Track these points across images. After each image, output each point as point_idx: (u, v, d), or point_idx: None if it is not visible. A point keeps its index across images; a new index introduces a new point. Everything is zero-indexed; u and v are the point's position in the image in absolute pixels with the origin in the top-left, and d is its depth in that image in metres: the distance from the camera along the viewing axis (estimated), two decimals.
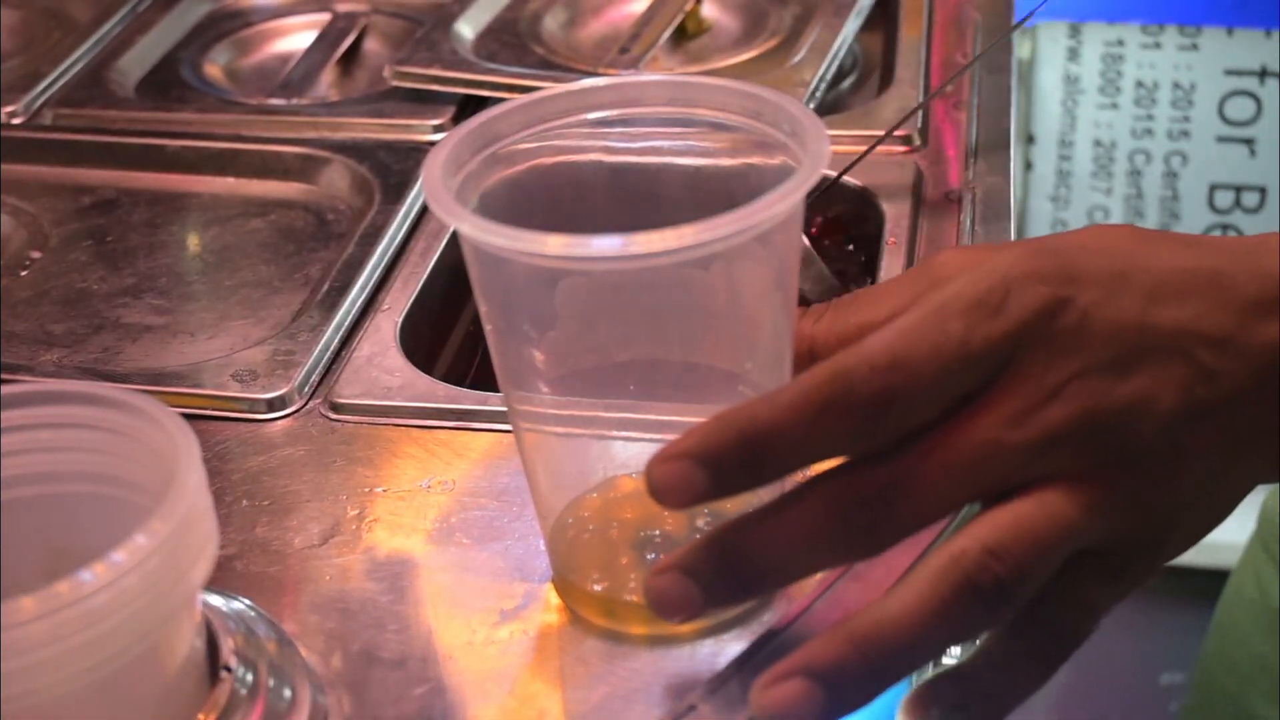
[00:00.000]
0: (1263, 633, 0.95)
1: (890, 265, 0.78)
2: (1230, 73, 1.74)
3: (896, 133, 0.90)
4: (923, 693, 0.50)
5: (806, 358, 0.54)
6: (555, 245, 0.49)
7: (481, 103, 0.97)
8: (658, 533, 0.57)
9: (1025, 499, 0.48)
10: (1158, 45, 1.78)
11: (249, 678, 0.53)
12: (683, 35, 1.07)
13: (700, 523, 0.57)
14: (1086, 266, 0.49)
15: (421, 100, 0.98)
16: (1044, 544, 0.47)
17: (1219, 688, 1.01)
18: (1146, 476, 0.48)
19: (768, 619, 0.57)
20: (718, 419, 0.48)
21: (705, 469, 0.47)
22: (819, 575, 0.58)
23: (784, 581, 0.51)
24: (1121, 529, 0.49)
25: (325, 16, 1.14)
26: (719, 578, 0.49)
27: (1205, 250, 0.51)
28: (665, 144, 0.56)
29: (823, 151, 0.51)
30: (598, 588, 0.57)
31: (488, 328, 0.55)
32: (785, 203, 0.49)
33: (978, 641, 0.51)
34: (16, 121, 1.00)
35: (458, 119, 0.96)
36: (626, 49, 1.01)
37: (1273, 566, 0.95)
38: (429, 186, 0.51)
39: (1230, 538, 0.76)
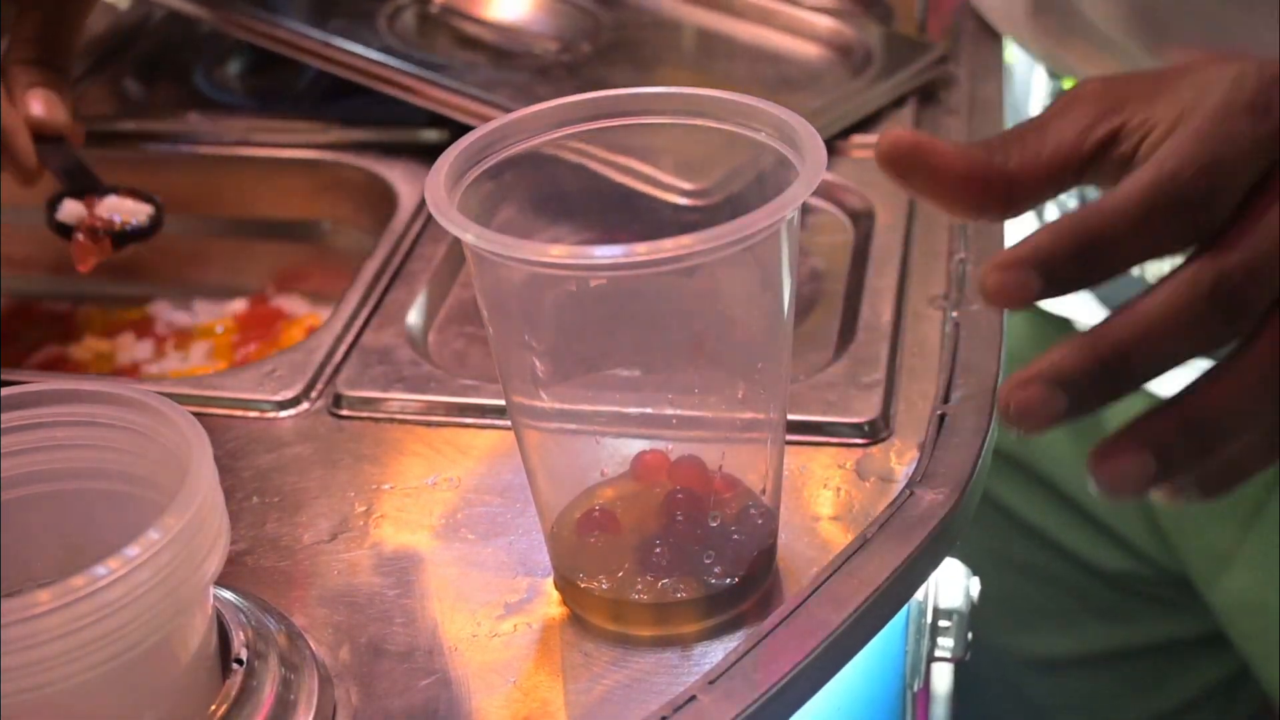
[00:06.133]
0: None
1: (883, 265, 0.79)
2: None
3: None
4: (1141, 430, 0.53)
5: (1003, 197, 0.56)
6: (559, 254, 0.50)
7: None
8: (655, 533, 0.58)
9: None
10: None
11: (259, 670, 0.53)
12: None
13: (711, 522, 0.58)
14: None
15: None
16: None
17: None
18: None
19: (766, 619, 0.58)
20: (1050, 228, 0.52)
21: (1038, 273, 0.51)
22: (815, 570, 0.59)
23: (1149, 377, 0.52)
24: None
25: None
26: (1090, 379, 0.51)
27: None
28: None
29: (820, 160, 0.52)
30: (603, 589, 0.57)
31: (489, 330, 0.56)
32: (785, 210, 0.50)
33: None
34: None
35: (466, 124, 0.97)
36: None
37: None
38: (433, 198, 0.52)
39: None
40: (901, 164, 0.55)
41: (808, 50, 1.01)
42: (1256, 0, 0.79)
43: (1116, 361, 0.51)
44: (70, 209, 0.81)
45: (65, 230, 0.81)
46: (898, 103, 0.95)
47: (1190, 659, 1.06)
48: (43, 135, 0.82)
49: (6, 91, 0.81)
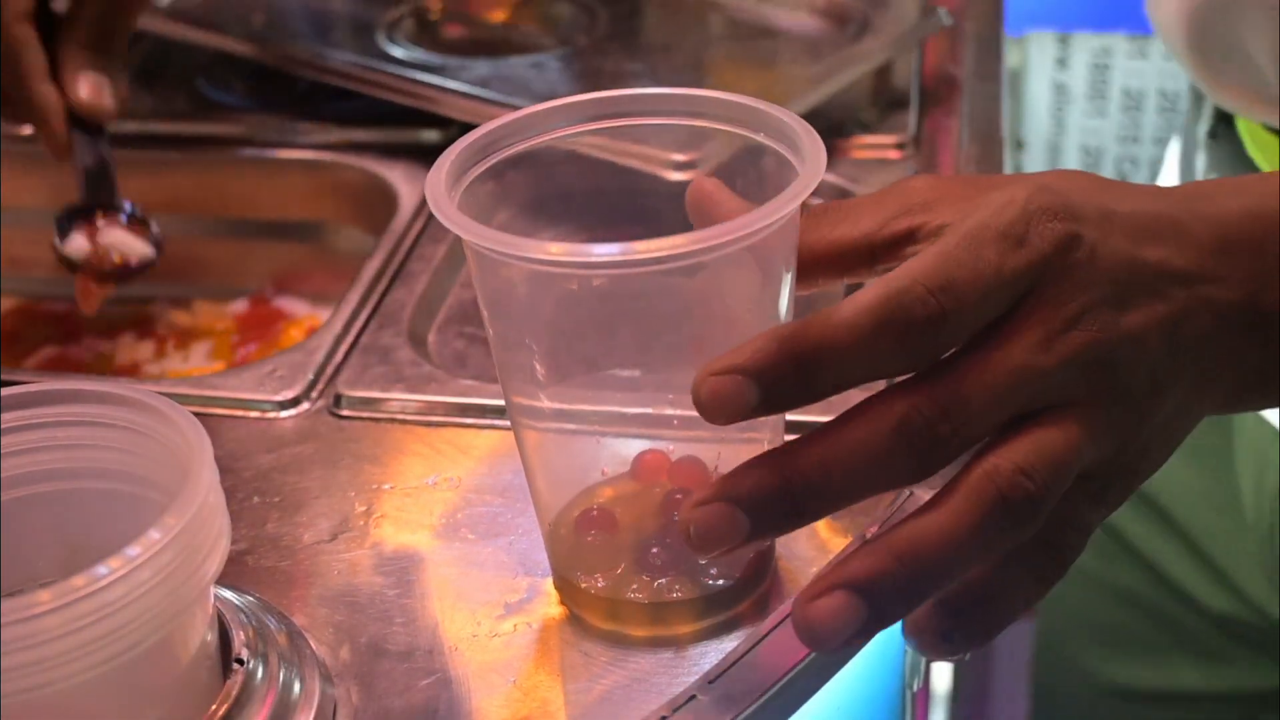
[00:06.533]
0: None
1: None
2: None
3: (890, 139, 0.92)
4: (925, 613, 0.51)
5: None
6: (558, 252, 0.50)
7: None
8: (653, 533, 0.58)
9: (1046, 422, 0.49)
10: (1143, 54, 1.80)
11: (260, 670, 0.53)
12: None
13: None
14: (1083, 205, 0.51)
15: None
16: (1063, 465, 0.49)
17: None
18: (1132, 406, 0.50)
19: (766, 619, 0.58)
20: (770, 335, 0.48)
21: (756, 384, 0.48)
22: (814, 570, 0.59)
23: (837, 506, 0.49)
24: (1108, 455, 0.50)
25: None
26: (770, 504, 0.48)
27: (1159, 197, 0.53)
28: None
29: (820, 161, 0.52)
30: (599, 588, 0.58)
31: (489, 330, 0.56)
32: (784, 210, 0.50)
33: None
34: (29, 131, 1.00)
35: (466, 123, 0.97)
36: None
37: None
38: (433, 197, 0.52)
39: None
40: (691, 207, 0.55)
41: (804, 23, 1.02)
42: None
43: (801, 487, 0.48)
44: (77, 244, 0.82)
45: (71, 265, 0.83)
46: (900, 104, 0.95)
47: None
48: (84, 122, 0.83)
49: (56, 71, 0.81)
